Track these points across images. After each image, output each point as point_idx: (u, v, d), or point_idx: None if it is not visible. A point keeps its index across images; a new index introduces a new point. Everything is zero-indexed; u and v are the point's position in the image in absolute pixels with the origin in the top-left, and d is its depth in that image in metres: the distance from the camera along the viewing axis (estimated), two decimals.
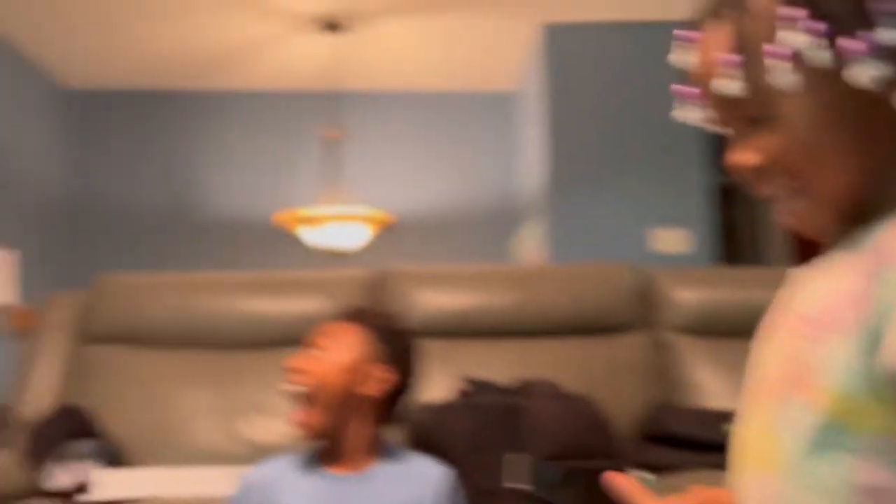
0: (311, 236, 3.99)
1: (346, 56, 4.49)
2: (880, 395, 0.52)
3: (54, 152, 4.78)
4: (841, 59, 0.55)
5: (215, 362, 2.06)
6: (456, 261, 4.74)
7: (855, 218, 0.59)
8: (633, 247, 3.88)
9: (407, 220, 4.81)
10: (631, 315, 2.23)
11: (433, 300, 2.24)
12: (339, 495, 1.20)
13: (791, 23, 0.56)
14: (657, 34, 3.96)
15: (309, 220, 3.88)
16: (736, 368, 2.15)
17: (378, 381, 1.23)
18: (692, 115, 0.65)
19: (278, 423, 1.94)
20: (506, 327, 2.20)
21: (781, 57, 0.56)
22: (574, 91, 4.12)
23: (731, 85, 0.58)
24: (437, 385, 2.03)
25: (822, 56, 0.56)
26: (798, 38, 0.56)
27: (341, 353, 1.22)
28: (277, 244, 4.71)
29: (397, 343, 1.27)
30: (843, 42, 0.55)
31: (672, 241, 3.93)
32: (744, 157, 0.62)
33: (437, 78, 4.97)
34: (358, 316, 1.28)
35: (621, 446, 1.73)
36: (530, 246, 4.39)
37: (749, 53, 0.58)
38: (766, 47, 0.57)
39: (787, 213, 0.62)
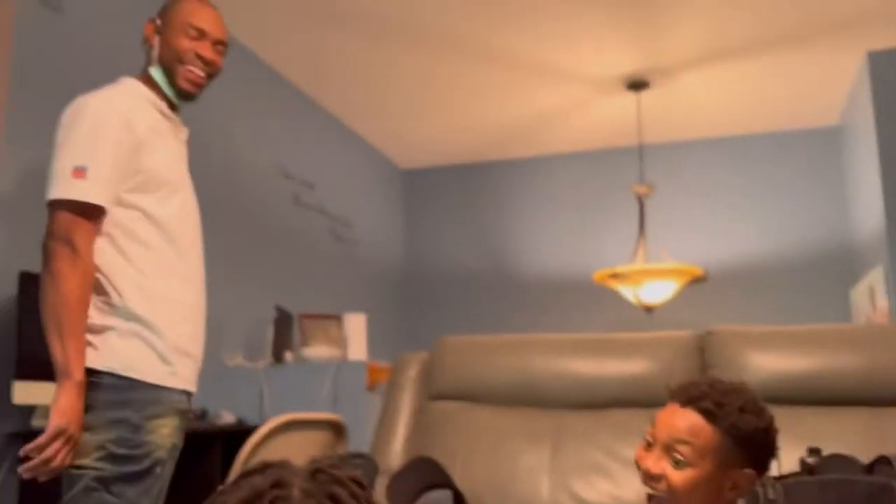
0: (627, 292, 4.02)
1: (653, 111, 4.51)
2: None
3: (393, 226, 5.42)
4: None
5: (549, 420, 2.17)
6: (778, 316, 4.42)
7: None
8: None
9: (720, 271, 4.62)
10: None
11: (766, 363, 2.12)
12: None
13: None
14: None
15: (622, 277, 3.91)
16: None
17: (738, 485, 1.17)
18: None
19: (611, 484, 1.98)
20: (853, 395, 2.01)
21: None
22: None
23: None
24: (784, 458, 1.91)
25: None
26: None
27: (702, 466, 1.15)
28: (593, 299, 4.80)
29: (757, 442, 1.17)
30: None
31: None
32: None
33: (747, 121, 4.76)
34: (712, 415, 1.16)
35: None
36: (872, 298, 3.95)
37: None
38: None
39: None
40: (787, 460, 1.88)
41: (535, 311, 4.97)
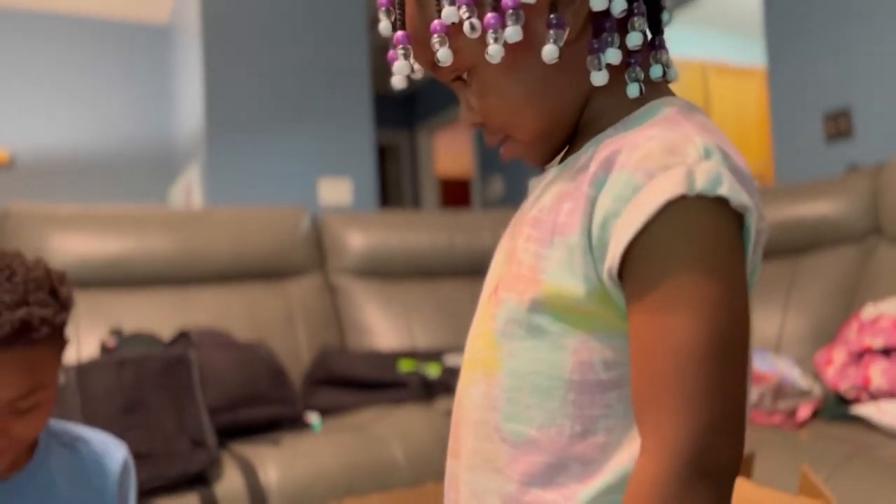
0: None
1: None
2: (597, 295, 0.53)
3: None
4: (486, 29, 0.55)
5: None
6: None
7: (571, 139, 0.62)
8: (297, 196, 3.80)
9: (29, 159, 4.14)
10: (304, 259, 2.15)
11: (70, 245, 1.92)
12: None
13: None
14: None
15: None
16: (403, 309, 2.20)
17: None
18: (400, 80, 0.62)
19: None
20: (162, 275, 1.97)
21: (439, 31, 0.57)
22: (232, 29, 3.87)
23: (403, 64, 0.60)
24: (84, 343, 1.75)
25: (470, 28, 0.56)
26: (451, 11, 0.56)
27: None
28: None
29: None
30: (488, 14, 0.55)
31: (337, 190, 3.94)
32: (464, 116, 0.64)
33: (83, 1, 4.32)
34: None
35: (297, 392, 1.65)
36: (188, 194, 4.08)
37: (425, 25, 0.58)
38: (433, 23, 0.57)
39: (507, 152, 0.64)
40: (92, 344, 1.73)
41: None
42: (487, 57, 0.56)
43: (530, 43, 0.56)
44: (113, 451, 1.00)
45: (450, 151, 6.59)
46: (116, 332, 1.60)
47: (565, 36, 0.56)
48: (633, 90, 0.58)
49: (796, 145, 2.98)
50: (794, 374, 1.57)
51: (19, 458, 0.90)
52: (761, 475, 1.13)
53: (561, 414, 0.54)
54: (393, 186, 6.27)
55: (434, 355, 1.93)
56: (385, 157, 6.17)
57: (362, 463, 1.49)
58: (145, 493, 1.25)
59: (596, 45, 0.57)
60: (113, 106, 4.49)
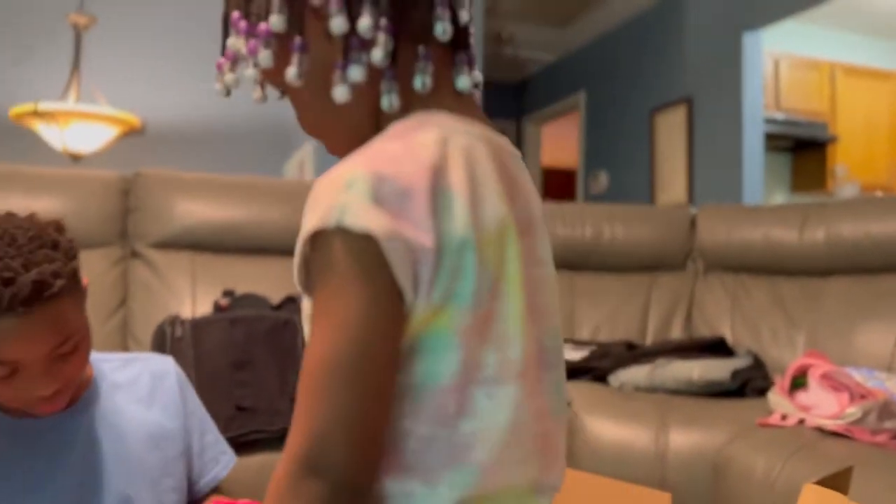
0: (51, 134, 3.50)
1: None
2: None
3: None
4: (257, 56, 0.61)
5: None
6: None
7: None
8: None
9: (160, 126, 4.40)
10: None
11: (194, 209, 2.04)
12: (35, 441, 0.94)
13: (233, 25, 0.62)
14: None
15: (48, 116, 3.39)
16: None
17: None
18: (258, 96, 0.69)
19: None
20: (274, 243, 2.07)
21: (227, 58, 0.63)
22: None
23: (230, 77, 0.66)
24: (199, 301, 1.87)
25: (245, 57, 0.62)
26: (233, 40, 0.62)
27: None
28: (13, 141, 4.09)
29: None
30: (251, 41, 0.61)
31: None
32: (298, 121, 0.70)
33: None
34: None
35: None
36: (301, 170, 4.24)
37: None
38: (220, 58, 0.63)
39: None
40: (207, 303, 1.85)
41: None
42: (245, 78, 0.63)
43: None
44: (161, 360, 1.08)
45: (557, 142, 6.54)
46: (229, 293, 1.70)
47: (307, 60, 0.60)
48: (383, 102, 0.61)
49: None
50: None
51: (76, 391, 0.97)
52: (859, 494, 1.09)
53: None
54: None
55: None
56: None
57: None
58: (247, 444, 1.34)
59: (340, 63, 0.60)
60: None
